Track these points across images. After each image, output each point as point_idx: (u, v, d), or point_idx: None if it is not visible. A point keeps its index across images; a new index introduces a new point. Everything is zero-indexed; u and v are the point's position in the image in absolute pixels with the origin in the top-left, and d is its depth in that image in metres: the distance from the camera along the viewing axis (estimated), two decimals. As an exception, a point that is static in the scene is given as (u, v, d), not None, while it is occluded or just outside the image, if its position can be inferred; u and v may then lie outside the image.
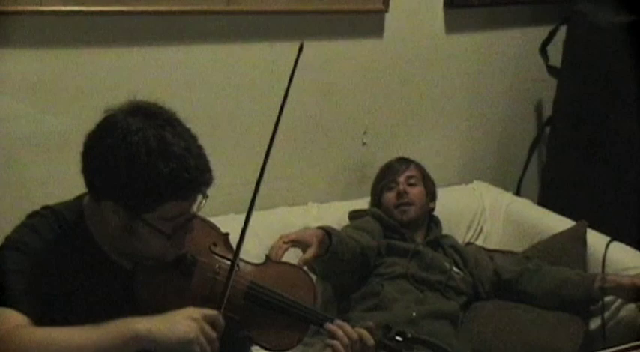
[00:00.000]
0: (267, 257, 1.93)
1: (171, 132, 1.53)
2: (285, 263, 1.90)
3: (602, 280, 2.61)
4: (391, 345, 1.83)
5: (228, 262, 1.70)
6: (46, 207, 1.68)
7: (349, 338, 1.76)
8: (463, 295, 2.72)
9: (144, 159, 1.49)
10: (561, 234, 2.94)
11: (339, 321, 1.80)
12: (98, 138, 1.54)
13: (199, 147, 1.58)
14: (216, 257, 1.74)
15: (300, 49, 1.62)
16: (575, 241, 2.88)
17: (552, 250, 2.90)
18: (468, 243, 3.17)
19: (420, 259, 2.72)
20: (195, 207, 1.61)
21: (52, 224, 1.63)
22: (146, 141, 1.49)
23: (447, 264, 2.74)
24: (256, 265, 1.83)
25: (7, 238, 1.62)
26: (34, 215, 1.66)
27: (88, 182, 1.57)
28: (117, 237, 1.60)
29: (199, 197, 1.59)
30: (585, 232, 2.89)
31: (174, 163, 1.50)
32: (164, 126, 1.53)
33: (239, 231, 1.70)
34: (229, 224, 1.85)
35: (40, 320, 1.53)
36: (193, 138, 1.58)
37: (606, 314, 2.67)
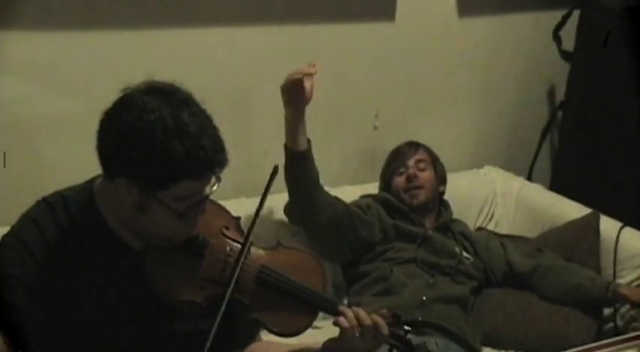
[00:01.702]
0: (278, 242, 1.93)
1: (188, 112, 1.53)
2: (296, 248, 1.89)
3: (613, 291, 2.60)
4: (400, 334, 1.80)
5: (239, 245, 1.70)
6: (55, 193, 1.68)
7: (361, 324, 1.73)
8: (473, 280, 2.71)
9: (160, 137, 1.49)
10: (573, 223, 2.92)
11: (353, 307, 1.77)
12: (114, 116, 1.55)
13: (215, 128, 1.58)
14: (228, 240, 1.74)
15: (275, 171, 1.65)
16: (587, 231, 2.86)
17: (565, 240, 2.88)
18: (480, 228, 3.17)
19: (429, 244, 2.71)
20: (207, 190, 1.61)
21: (57, 212, 1.63)
22: (162, 119, 1.50)
23: (456, 249, 2.73)
24: (267, 249, 1.83)
25: (8, 233, 1.63)
26: (40, 202, 1.66)
27: (103, 159, 1.58)
28: (129, 217, 1.60)
29: (212, 179, 1.59)
30: (598, 222, 2.87)
31: (190, 142, 1.50)
32: (180, 105, 1.53)
33: (249, 215, 1.70)
34: (240, 208, 1.84)
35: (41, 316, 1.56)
36: (209, 118, 1.58)
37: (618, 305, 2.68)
